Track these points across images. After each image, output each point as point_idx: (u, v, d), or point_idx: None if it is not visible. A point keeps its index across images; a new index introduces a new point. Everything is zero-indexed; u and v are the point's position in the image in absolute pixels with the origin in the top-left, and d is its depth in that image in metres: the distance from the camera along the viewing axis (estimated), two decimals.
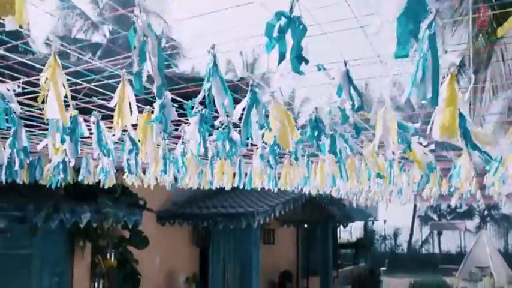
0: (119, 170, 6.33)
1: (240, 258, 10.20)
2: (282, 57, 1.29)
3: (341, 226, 12.83)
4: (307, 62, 1.30)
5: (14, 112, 1.77)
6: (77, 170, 5.79)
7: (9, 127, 2.36)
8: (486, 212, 27.40)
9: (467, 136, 1.72)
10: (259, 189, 8.63)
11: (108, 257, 5.91)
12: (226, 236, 9.60)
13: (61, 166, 2.61)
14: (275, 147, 2.10)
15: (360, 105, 1.60)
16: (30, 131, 2.60)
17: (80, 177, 3.82)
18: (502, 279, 16.15)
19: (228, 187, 4.42)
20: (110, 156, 2.31)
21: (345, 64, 1.63)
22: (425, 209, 26.73)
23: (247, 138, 1.79)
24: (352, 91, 1.59)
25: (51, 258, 5.88)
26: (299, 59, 1.28)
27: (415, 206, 25.63)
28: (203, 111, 1.90)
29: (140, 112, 2.04)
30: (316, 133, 1.89)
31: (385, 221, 25.15)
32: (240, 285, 7.14)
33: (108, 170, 2.93)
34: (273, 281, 10.65)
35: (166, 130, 1.81)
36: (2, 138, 2.87)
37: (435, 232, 28.26)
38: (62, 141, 1.86)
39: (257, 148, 3.04)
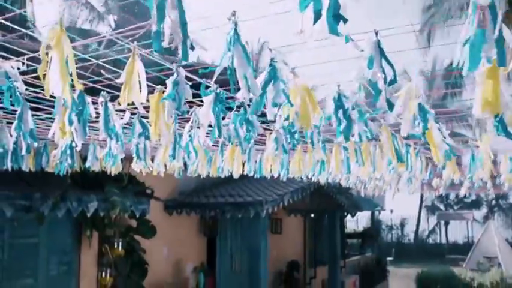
0: (126, 159, 6.25)
1: (248, 247, 10.14)
2: (317, 16, 1.16)
3: (347, 216, 12.74)
4: (345, 21, 1.18)
5: (19, 92, 1.66)
6: (83, 158, 5.72)
7: (14, 111, 2.26)
8: (494, 201, 27.26)
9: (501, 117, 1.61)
10: (268, 178, 8.57)
11: (115, 246, 5.84)
12: (234, 225, 9.53)
13: (68, 152, 2.51)
14: (292, 129, 1.98)
15: (393, 78, 1.48)
16: (36, 115, 2.51)
17: (87, 164, 3.73)
18: (510, 269, 16.03)
19: (237, 175, 4.33)
20: (118, 141, 2.21)
21: (376, 34, 1.51)
22: (432, 198, 26.62)
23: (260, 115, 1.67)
24: (384, 63, 1.47)
25: (58, 247, 5.82)
26: (336, 18, 1.15)
27: (422, 196, 25.51)
28: (218, 90, 1.79)
29: (151, 93, 1.93)
30: (340, 112, 1.77)
31: (391, 211, 25.11)
32: (249, 274, 7.08)
33: (115, 155, 2.82)
34: (281, 271, 10.59)
35: (180, 108, 1.69)
36: (8, 123, 2.77)
37: (442, 222, 28.18)
38: (70, 122, 1.76)
39: (270, 133, 2.94)
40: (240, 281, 9.31)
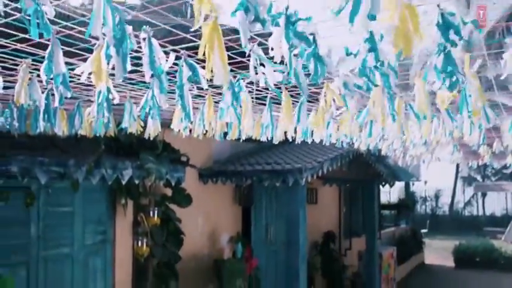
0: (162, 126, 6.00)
1: (285, 217, 9.93)
2: None
3: (379, 187, 12.35)
4: None
5: (48, 18, 1.38)
6: (118, 123, 5.50)
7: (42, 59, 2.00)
8: None
9: None
10: (305, 144, 8.30)
11: (150, 215, 5.65)
12: (270, 194, 9.30)
13: (105, 105, 2.23)
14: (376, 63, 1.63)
15: None
16: (68, 63, 2.22)
17: (124, 125, 3.46)
18: None
19: (278, 139, 4.03)
20: (163, 84, 1.90)
21: None
22: (469, 169, 25.84)
23: None
24: None
25: (94, 216, 5.68)
26: None
27: (458, 167, 24.77)
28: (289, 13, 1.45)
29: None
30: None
31: (425, 182, 24.47)
32: (287, 245, 6.84)
33: (158, 107, 2.52)
34: (316, 242, 10.36)
35: (259, 20, 1.32)
36: (38, 76, 2.49)
37: (479, 194, 27.39)
38: (107, 57, 1.47)
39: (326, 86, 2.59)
40: (275, 251, 9.13)
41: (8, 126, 3.88)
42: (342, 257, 10.88)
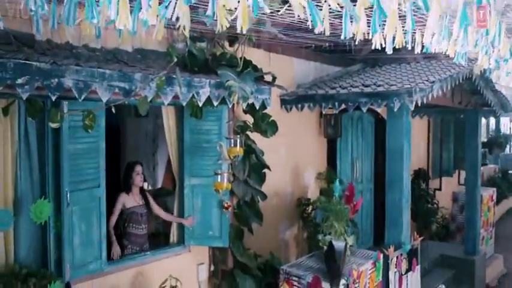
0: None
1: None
2: None
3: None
4: None
5: None
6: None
7: None
8: None
9: None
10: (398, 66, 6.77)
11: (231, 144, 4.69)
12: (356, 125, 8.13)
13: None
14: None
15: None
16: None
17: (208, 13, 2.40)
18: None
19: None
20: None
21: None
22: None
23: None
24: None
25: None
26: None
27: None
28: None
29: None
30: None
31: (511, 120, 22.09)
32: (388, 182, 5.74)
33: None
34: None
35: None
36: None
37: None
38: None
39: None
40: (361, 191, 8.08)
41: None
42: (434, 198, 9.68)
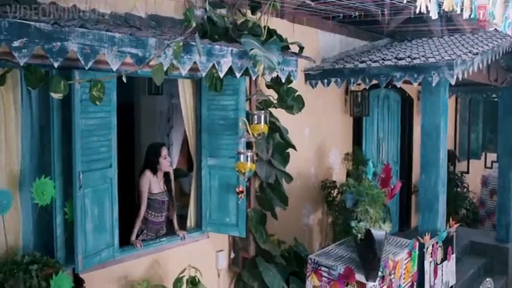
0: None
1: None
2: None
3: None
4: None
5: None
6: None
7: None
8: None
9: None
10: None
11: (255, 121, 4.25)
12: (382, 103, 7.65)
13: None
14: None
15: None
16: None
17: None
18: None
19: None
20: None
21: None
22: None
23: None
24: None
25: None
26: None
27: None
28: None
29: None
30: None
31: None
32: (423, 164, 5.28)
33: None
34: None
35: None
36: None
37: None
38: None
39: None
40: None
41: None
42: (464, 181, 9.19)
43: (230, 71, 3.92)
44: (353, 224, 4.03)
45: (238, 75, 3.95)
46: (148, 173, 4.42)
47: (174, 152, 9.31)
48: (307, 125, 6.00)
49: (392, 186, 4.31)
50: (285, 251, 5.13)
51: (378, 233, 3.75)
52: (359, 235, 3.98)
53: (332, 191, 6.17)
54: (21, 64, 2.68)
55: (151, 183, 4.43)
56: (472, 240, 7.85)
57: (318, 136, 6.23)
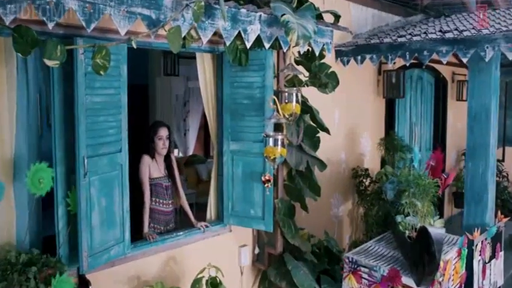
0: None
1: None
2: None
3: None
4: None
5: None
6: None
7: None
8: None
9: None
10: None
11: (285, 100, 3.69)
12: (416, 86, 7.04)
13: None
14: None
15: None
16: None
17: None
18: None
19: None
20: None
21: None
22: None
23: None
24: None
25: None
26: None
27: None
28: None
29: None
30: None
31: None
32: (470, 150, 4.71)
33: None
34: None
35: None
36: None
37: None
38: None
39: None
40: (420, 160, 7.02)
41: None
42: (503, 170, 8.55)
43: (256, 43, 3.37)
44: (399, 219, 3.48)
45: (267, 46, 3.40)
46: (147, 158, 3.96)
47: (190, 137, 8.81)
48: (337, 107, 5.44)
49: (446, 176, 3.74)
50: (314, 246, 4.61)
51: (436, 231, 3.18)
52: (407, 232, 3.43)
53: (364, 180, 5.62)
54: (7, 23, 2.17)
55: (151, 168, 3.98)
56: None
57: (349, 119, 5.66)
